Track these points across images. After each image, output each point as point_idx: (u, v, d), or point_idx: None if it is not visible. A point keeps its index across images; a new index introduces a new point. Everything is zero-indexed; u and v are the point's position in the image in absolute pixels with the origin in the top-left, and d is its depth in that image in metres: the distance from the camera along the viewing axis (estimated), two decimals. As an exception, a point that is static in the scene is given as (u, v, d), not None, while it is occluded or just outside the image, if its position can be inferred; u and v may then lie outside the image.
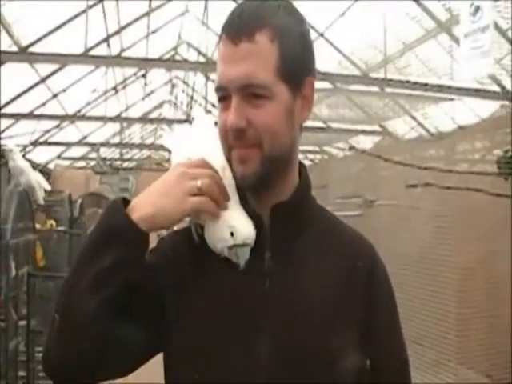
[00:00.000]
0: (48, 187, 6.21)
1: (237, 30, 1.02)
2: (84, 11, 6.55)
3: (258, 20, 1.02)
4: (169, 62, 7.45)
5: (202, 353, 1.05)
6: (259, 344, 1.04)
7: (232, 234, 1.03)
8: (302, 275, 1.08)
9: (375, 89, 6.69)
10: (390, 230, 5.63)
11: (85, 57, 6.02)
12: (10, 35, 6.76)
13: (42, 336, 4.29)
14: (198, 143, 1.14)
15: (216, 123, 1.10)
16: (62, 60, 5.92)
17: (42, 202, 5.95)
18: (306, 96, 1.09)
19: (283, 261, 1.08)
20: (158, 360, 1.13)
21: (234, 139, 1.04)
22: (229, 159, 1.07)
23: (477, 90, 5.84)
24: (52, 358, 1.02)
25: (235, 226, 1.04)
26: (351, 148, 6.59)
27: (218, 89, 1.05)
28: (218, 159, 1.08)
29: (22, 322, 4.41)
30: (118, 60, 6.12)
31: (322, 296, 1.07)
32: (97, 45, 7.14)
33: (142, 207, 1.02)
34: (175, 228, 1.21)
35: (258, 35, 1.01)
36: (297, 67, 1.05)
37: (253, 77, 1.01)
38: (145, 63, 6.33)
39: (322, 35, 6.90)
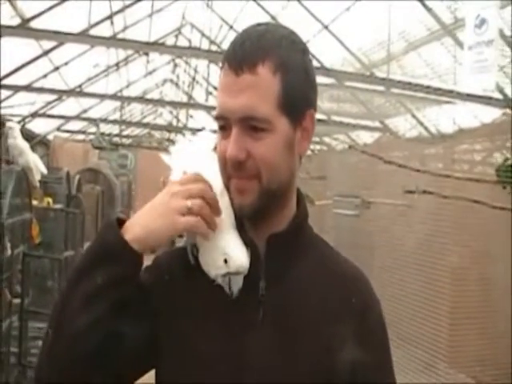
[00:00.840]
0: (45, 171, 6.17)
1: (239, 60, 1.00)
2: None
3: (261, 51, 1.01)
4: (170, 47, 7.32)
5: (192, 375, 1.05)
6: (246, 373, 1.04)
7: (226, 261, 1.02)
8: (296, 307, 1.08)
9: (379, 87, 6.62)
10: (386, 229, 5.63)
11: (85, 36, 5.95)
12: (14, 6, 6.69)
13: (36, 315, 4.38)
14: (198, 165, 1.11)
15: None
16: (63, 38, 5.83)
17: (37, 184, 5.91)
18: (307, 128, 1.08)
19: (278, 291, 1.07)
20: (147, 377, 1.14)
21: (232, 170, 1.03)
22: (227, 188, 1.07)
23: (479, 97, 5.78)
24: (43, 372, 1.03)
25: (229, 254, 1.03)
26: (351, 147, 6.55)
27: (219, 118, 1.04)
28: (217, 182, 1.07)
29: (16, 300, 4.43)
30: (118, 42, 6.02)
31: (314, 331, 1.07)
32: (100, 22, 7.08)
33: (134, 228, 1.03)
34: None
35: (260, 67, 1.00)
36: (298, 100, 1.04)
37: (254, 109, 1.00)
38: (146, 46, 6.24)
39: (326, 27, 6.84)
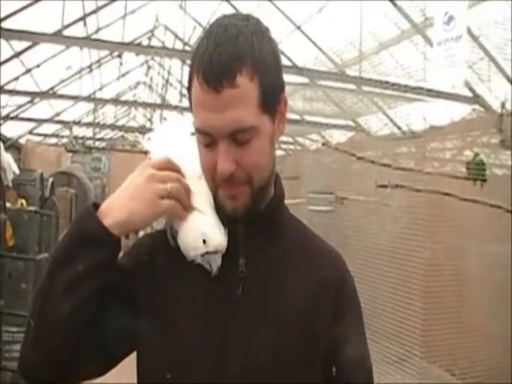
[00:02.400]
0: (17, 171, 6.14)
1: (216, 75, 0.99)
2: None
3: (237, 61, 1.00)
4: (145, 48, 7.31)
5: (174, 355, 1.07)
6: (229, 348, 1.06)
7: (204, 242, 1.06)
8: (275, 283, 1.11)
9: (351, 86, 6.71)
10: (360, 225, 5.68)
11: (59, 36, 5.93)
12: (-16, 9, 6.62)
13: (10, 317, 4.32)
14: (177, 149, 1.14)
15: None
16: (36, 38, 5.82)
17: (10, 184, 5.88)
18: (281, 111, 1.10)
19: (256, 268, 1.10)
20: (128, 360, 1.16)
21: (223, 181, 1.04)
22: (215, 194, 1.09)
23: (448, 94, 5.90)
24: (28, 362, 1.04)
25: (207, 234, 1.06)
26: (324, 144, 6.61)
27: (202, 134, 1.04)
28: (195, 166, 1.10)
29: (-9, 303, 4.37)
30: (93, 42, 6.01)
31: (293, 305, 1.10)
32: (73, 23, 7.05)
33: (114, 213, 1.04)
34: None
35: (238, 78, 0.99)
36: (274, 92, 1.06)
37: (240, 123, 1.00)
38: (120, 47, 6.25)
39: (299, 28, 6.90)
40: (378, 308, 4.77)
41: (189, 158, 1.11)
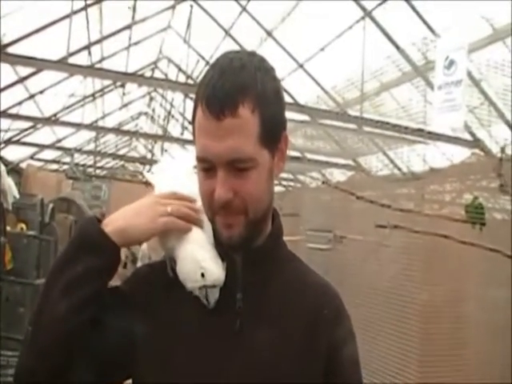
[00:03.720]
0: (17, 195, 6.14)
1: (220, 104, 1.01)
2: (67, 16, 6.49)
3: (240, 92, 1.02)
4: (148, 79, 7.34)
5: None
6: (226, 382, 1.05)
7: (203, 275, 1.06)
8: (272, 318, 1.11)
9: (352, 126, 6.71)
10: (358, 265, 5.63)
11: (64, 64, 5.94)
12: (-9, 34, 6.68)
13: (8, 341, 4.26)
14: (180, 184, 1.16)
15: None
16: (40, 64, 5.83)
17: (10, 207, 5.86)
18: (282, 149, 1.11)
19: (254, 302, 1.10)
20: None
21: (220, 209, 1.06)
22: (212, 222, 1.10)
23: (449, 137, 5.89)
24: (25, 369, 1.05)
25: (206, 268, 1.07)
26: (324, 182, 6.59)
27: (202, 161, 1.06)
28: (197, 202, 1.12)
29: (-12, 327, 4.32)
30: (96, 71, 6.03)
31: (290, 340, 1.10)
32: (77, 52, 7.09)
33: (114, 222, 1.08)
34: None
35: (240, 109, 1.01)
36: (275, 128, 1.08)
37: (239, 152, 1.02)
38: (124, 77, 6.26)
39: (301, 66, 6.93)
40: (374, 348, 4.69)
41: (190, 192, 1.13)
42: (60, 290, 1.02)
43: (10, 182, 6.04)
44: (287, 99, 6.36)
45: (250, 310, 1.10)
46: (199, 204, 1.13)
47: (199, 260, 1.08)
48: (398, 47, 5.17)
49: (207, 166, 1.05)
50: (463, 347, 4.15)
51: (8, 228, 6.17)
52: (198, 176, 1.11)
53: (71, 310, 1.01)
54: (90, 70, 6.02)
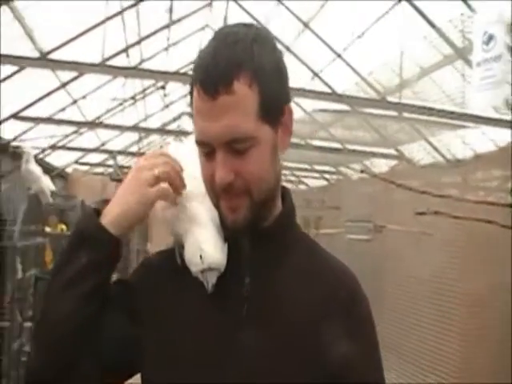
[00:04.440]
0: (53, 188, 6.26)
1: (214, 82, 0.97)
2: (104, 21, 6.59)
3: (235, 67, 0.98)
4: (190, 77, 7.36)
5: (175, 378, 1.04)
6: (232, 369, 1.02)
7: (201, 257, 1.04)
8: (281, 304, 1.07)
9: (392, 112, 6.62)
10: (398, 256, 5.58)
11: (103, 66, 6.04)
12: (32, 40, 6.83)
13: None
14: (189, 164, 1.13)
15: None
16: (81, 68, 5.93)
17: (50, 200, 6.00)
18: (286, 122, 1.08)
19: (263, 287, 1.07)
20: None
21: (222, 191, 1.03)
22: (217, 207, 1.07)
23: (493, 119, 5.73)
24: (35, 367, 1.05)
25: (204, 250, 1.04)
26: (362, 171, 6.53)
27: (201, 144, 1.03)
28: (201, 185, 1.09)
29: (28, 324, 4.45)
30: (138, 72, 6.09)
31: (300, 328, 1.05)
32: (116, 55, 7.18)
33: (109, 210, 1.06)
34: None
35: (235, 84, 0.98)
36: (276, 102, 1.04)
37: (236, 131, 0.99)
38: (165, 76, 6.31)
39: (339, 56, 6.88)
40: (413, 339, 4.62)
41: (197, 173, 1.10)
42: (61, 287, 1.02)
43: (47, 181, 6.16)
44: (325, 89, 6.33)
45: (258, 296, 1.06)
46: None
47: (199, 241, 1.06)
48: (433, 26, 5.07)
49: (207, 150, 1.03)
50: (508, 339, 4.06)
51: (48, 229, 6.33)
52: (200, 161, 1.08)
53: (73, 306, 1.01)
54: (132, 71, 6.08)
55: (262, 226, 1.09)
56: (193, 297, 1.07)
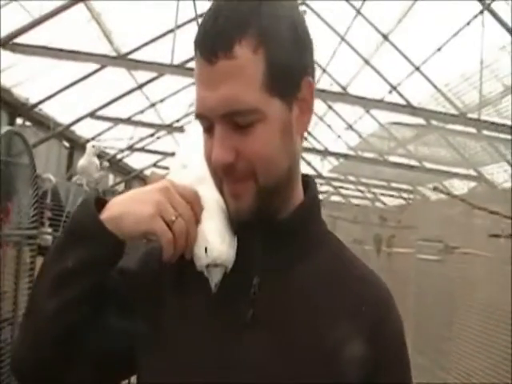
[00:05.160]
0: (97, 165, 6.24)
1: (211, 44, 0.84)
2: (179, 26, 6.62)
3: (236, 27, 0.84)
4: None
5: (172, 380, 0.91)
6: (230, 379, 0.88)
7: (206, 250, 0.90)
8: (293, 311, 0.91)
9: (471, 130, 6.28)
10: (468, 280, 5.33)
11: (183, 69, 6.03)
12: (110, 42, 6.98)
13: None
14: (188, 155, 1.02)
15: None
16: (159, 69, 5.97)
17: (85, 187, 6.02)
18: (305, 99, 0.91)
19: (274, 290, 0.92)
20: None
21: (222, 173, 0.89)
22: (220, 191, 0.93)
23: None
24: (16, 359, 0.96)
25: (210, 241, 0.90)
26: (435, 188, 6.22)
27: (200, 118, 0.89)
28: (206, 170, 0.95)
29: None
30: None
31: (312, 342, 0.89)
32: (190, 59, 7.21)
33: (112, 207, 0.91)
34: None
35: (237, 48, 0.83)
36: (290, 72, 0.88)
37: (236, 102, 0.84)
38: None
39: (417, 69, 6.62)
40: (482, 371, 4.32)
41: (197, 161, 0.96)
42: (48, 286, 0.90)
43: (93, 160, 6.11)
44: (401, 101, 6.09)
45: (267, 299, 0.91)
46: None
47: (205, 231, 0.91)
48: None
49: (207, 125, 0.88)
50: None
51: None
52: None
53: (60, 311, 0.88)
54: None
55: (276, 218, 0.93)
56: (195, 294, 0.94)
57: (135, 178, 12.47)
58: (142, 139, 10.51)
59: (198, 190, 0.94)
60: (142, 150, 11.03)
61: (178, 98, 9.20)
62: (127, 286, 0.98)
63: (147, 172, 12.58)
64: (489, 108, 6.12)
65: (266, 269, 0.92)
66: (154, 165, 12.24)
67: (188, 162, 0.98)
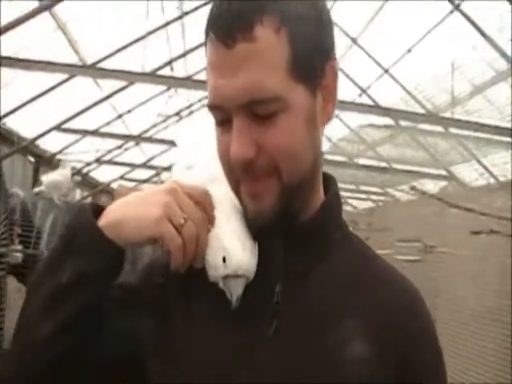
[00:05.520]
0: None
1: (228, 25, 0.76)
2: (148, 34, 6.55)
3: (256, 5, 0.76)
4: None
5: None
6: None
7: (224, 260, 0.81)
8: (320, 320, 0.84)
9: (440, 129, 6.33)
10: (450, 279, 5.40)
11: (154, 76, 5.92)
12: (76, 52, 6.85)
13: None
14: (203, 145, 0.95)
15: None
16: (129, 77, 5.86)
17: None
18: (328, 87, 0.85)
19: (297, 299, 0.85)
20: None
21: (241, 172, 0.81)
22: (236, 192, 0.85)
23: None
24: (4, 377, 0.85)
25: (228, 249, 0.81)
26: (413, 188, 6.26)
27: (214, 109, 0.82)
28: (218, 168, 0.88)
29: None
30: (185, 82, 5.96)
31: (344, 357, 0.81)
32: (160, 68, 7.12)
33: (111, 212, 0.83)
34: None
35: (258, 29, 0.76)
36: (315, 56, 0.82)
37: (258, 90, 0.77)
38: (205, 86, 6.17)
39: (387, 71, 6.67)
40: (466, 374, 4.36)
41: (212, 153, 0.89)
42: (40, 307, 0.80)
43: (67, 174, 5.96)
44: (369, 102, 6.11)
45: (291, 309, 0.84)
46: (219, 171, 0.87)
47: (222, 238, 0.82)
48: (484, 35, 4.79)
49: (222, 117, 0.81)
50: None
51: None
52: (215, 134, 0.86)
53: (55, 333, 0.79)
54: (180, 81, 5.93)
55: (298, 220, 0.86)
56: (209, 310, 0.86)
57: (102, 192, 12.27)
58: (109, 151, 10.32)
59: (208, 190, 0.87)
60: (110, 162, 10.84)
61: (146, 108, 9.07)
62: (129, 302, 0.90)
63: (114, 185, 12.40)
64: (458, 108, 6.19)
65: (287, 274, 0.85)
66: (122, 177, 12.06)
67: (193, 163, 0.93)
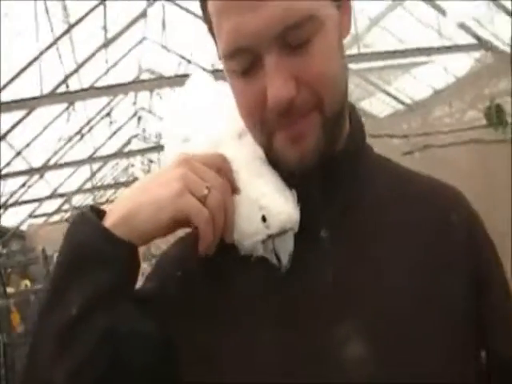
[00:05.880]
0: None
1: None
2: (38, 56, 6.30)
3: None
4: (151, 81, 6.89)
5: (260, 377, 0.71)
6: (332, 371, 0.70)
7: (264, 220, 0.71)
8: (378, 252, 0.76)
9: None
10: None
11: (56, 95, 5.71)
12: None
13: None
14: (199, 110, 0.84)
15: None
16: (31, 104, 5.61)
17: None
18: None
19: (347, 238, 0.76)
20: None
21: (278, 118, 0.70)
22: (268, 143, 0.75)
23: (449, 48, 5.70)
24: None
25: (268, 206, 0.72)
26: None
27: (235, 55, 0.70)
28: (229, 127, 0.80)
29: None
30: (86, 93, 5.79)
31: (414, 283, 0.74)
32: (57, 87, 6.87)
33: (119, 206, 0.72)
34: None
35: None
36: None
37: (291, 12, 0.66)
38: (113, 90, 6.01)
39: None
40: None
41: (217, 116, 0.82)
42: (51, 350, 0.68)
43: None
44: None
45: (342, 252, 0.75)
46: (236, 127, 0.78)
47: (255, 196, 0.73)
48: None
49: (246, 63, 0.69)
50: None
51: (11, 289, 5.92)
52: (232, 90, 0.75)
53: (71, 376, 0.66)
54: (82, 93, 5.75)
55: (331, 153, 0.76)
56: (243, 286, 0.75)
57: (13, 237, 11.64)
58: (14, 192, 9.83)
59: (232, 145, 0.78)
60: (16, 203, 10.33)
61: (45, 137, 8.69)
62: (151, 307, 0.78)
63: (24, 227, 11.85)
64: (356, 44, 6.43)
65: (332, 216, 0.76)
66: (30, 216, 11.52)
67: (189, 134, 0.82)
